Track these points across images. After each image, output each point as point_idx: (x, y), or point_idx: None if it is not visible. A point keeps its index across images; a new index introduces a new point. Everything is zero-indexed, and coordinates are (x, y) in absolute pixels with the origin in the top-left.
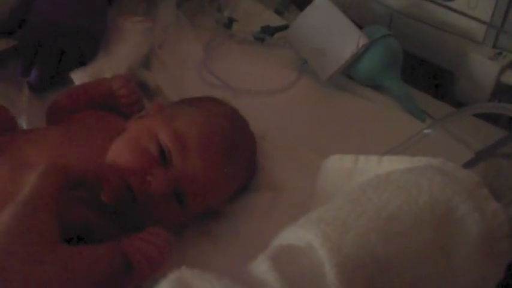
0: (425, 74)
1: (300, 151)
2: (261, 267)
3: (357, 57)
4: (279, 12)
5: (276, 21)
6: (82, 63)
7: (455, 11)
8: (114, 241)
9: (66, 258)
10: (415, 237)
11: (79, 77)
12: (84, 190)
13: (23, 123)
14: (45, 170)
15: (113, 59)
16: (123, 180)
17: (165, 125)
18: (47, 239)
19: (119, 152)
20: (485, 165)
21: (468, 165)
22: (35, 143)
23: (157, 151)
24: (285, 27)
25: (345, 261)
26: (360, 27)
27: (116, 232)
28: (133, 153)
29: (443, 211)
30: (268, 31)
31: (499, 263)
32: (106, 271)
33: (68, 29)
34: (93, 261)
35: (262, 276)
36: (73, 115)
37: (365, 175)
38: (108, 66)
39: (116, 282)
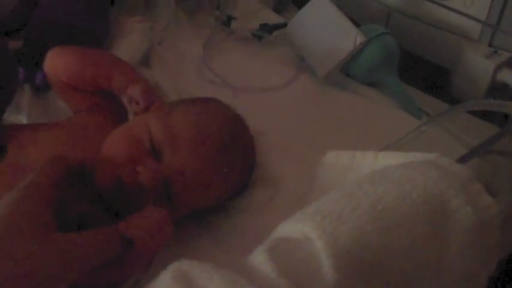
0: (422, 71)
1: (297, 148)
2: (259, 258)
3: (354, 55)
4: (277, 10)
5: (274, 19)
6: None
7: (451, 9)
8: (110, 225)
9: (61, 244)
10: (409, 229)
11: None
12: (80, 184)
13: (24, 120)
14: (45, 163)
15: None
16: (114, 168)
17: (159, 119)
18: (43, 227)
19: (113, 142)
20: (482, 162)
21: (462, 160)
22: (37, 142)
23: (149, 144)
24: (283, 25)
25: (341, 252)
26: (358, 25)
27: (111, 224)
28: (125, 144)
29: (437, 204)
30: (267, 29)
31: (491, 255)
32: (103, 255)
33: (72, 30)
34: (89, 246)
35: (260, 267)
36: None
37: (361, 171)
38: None
39: (118, 266)
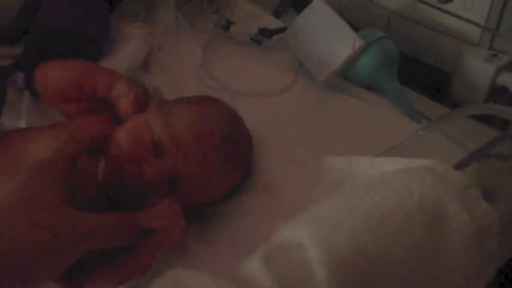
0: (422, 75)
1: (296, 152)
2: (253, 265)
3: (353, 59)
4: (277, 15)
5: (274, 23)
6: None
7: (451, 13)
8: (128, 213)
9: (76, 217)
10: (405, 237)
11: None
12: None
13: (23, 125)
14: (60, 140)
15: (113, 62)
16: (119, 167)
17: (160, 119)
18: (60, 199)
19: (117, 142)
20: (482, 166)
21: (459, 165)
22: (38, 141)
23: (152, 143)
24: (282, 30)
25: (335, 260)
26: (357, 29)
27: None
28: (129, 143)
29: (434, 211)
30: (266, 33)
31: (490, 262)
32: (115, 237)
33: (72, 37)
34: (101, 225)
35: (254, 275)
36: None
37: (358, 176)
38: None
39: (136, 255)
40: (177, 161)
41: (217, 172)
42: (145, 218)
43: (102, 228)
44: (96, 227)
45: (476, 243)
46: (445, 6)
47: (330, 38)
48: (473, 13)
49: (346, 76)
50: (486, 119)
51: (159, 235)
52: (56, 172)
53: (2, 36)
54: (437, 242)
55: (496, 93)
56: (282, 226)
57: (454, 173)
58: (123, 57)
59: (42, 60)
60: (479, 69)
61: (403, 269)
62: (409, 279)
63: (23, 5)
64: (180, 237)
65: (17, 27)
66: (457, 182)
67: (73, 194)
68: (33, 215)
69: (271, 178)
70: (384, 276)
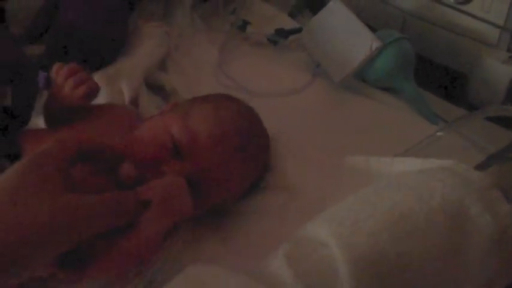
0: (438, 76)
1: (312, 152)
2: (275, 263)
3: (370, 60)
4: (292, 15)
5: (289, 24)
6: (102, 66)
7: (469, 14)
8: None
9: (72, 203)
10: (426, 237)
11: (97, 79)
12: (101, 162)
13: (41, 123)
14: (57, 139)
15: (131, 61)
16: (140, 169)
17: (178, 121)
18: (54, 187)
19: (137, 144)
20: (499, 168)
21: (479, 167)
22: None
23: (172, 145)
24: (298, 30)
25: (357, 259)
26: (373, 30)
27: None
28: (149, 146)
29: (455, 212)
30: (282, 34)
31: (510, 264)
32: (115, 217)
33: (92, 37)
34: (100, 206)
35: (276, 272)
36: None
37: (378, 176)
38: (126, 68)
39: (133, 231)
40: (196, 164)
41: (235, 172)
42: (144, 190)
43: (103, 208)
44: (97, 208)
45: (498, 245)
46: (463, 7)
47: (347, 39)
48: (492, 14)
49: (363, 77)
50: (502, 121)
51: (155, 208)
52: (51, 162)
53: (26, 35)
54: (458, 243)
55: None
56: (303, 225)
57: (475, 173)
58: (141, 57)
59: (64, 60)
60: (497, 70)
61: (424, 269)
62: (429, 279)
63: (42, 5)
64: (187, 211)
65: (36, 26)
66: (479, 182)
67: (73, 183)
68: (28, 200)
69: (286, 178)
70: (404, 275)
